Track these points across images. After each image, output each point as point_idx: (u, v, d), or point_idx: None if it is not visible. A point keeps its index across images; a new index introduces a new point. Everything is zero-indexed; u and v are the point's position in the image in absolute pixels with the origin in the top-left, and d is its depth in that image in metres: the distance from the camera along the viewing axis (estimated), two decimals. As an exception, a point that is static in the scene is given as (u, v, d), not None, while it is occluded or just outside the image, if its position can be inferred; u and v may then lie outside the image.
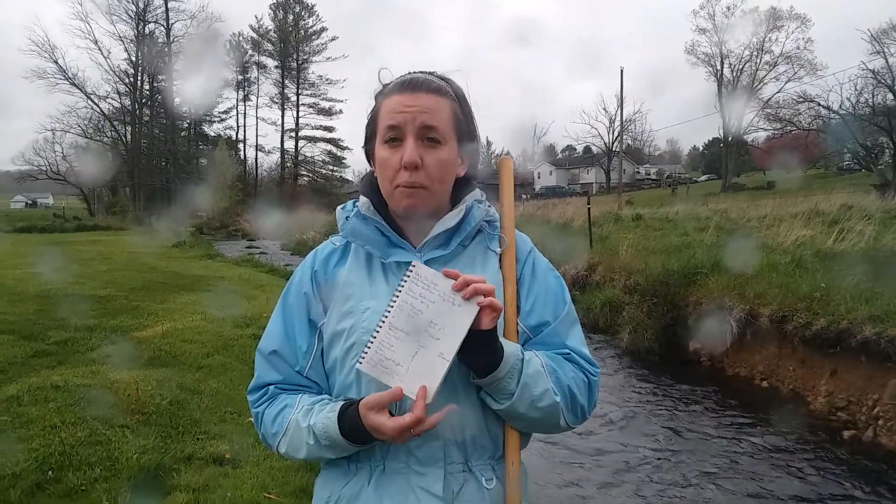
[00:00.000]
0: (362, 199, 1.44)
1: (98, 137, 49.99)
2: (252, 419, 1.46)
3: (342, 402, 1.31)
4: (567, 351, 1.40)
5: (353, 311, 1.36)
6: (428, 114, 1.33)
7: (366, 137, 1.44)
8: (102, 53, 49.43)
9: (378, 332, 1.26)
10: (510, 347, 1.29)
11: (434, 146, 1.34)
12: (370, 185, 1.45)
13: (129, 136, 51.43)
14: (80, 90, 47.23)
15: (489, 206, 1.47)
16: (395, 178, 1.34)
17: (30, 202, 67.92)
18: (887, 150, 31.24)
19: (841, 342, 6.24)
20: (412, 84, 1.35)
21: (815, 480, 5.07)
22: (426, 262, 1.36)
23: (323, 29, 64.37)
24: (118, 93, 50.94)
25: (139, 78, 51.98)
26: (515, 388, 1.28)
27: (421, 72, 1.41)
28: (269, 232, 32.87)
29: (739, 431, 6.11)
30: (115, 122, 50.73)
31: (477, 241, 1.44)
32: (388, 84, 1.39)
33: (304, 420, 1.33)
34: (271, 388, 1.41)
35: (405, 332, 1.25)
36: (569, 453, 5.60)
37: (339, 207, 1.49)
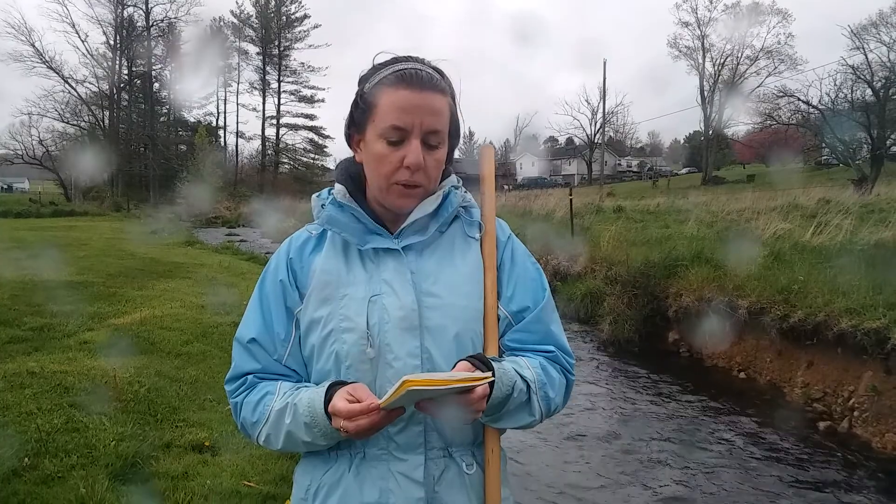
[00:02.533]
0: (338, 186, 1.41)
1: (75, 122, 49.29)
2: (230, 409, 1.43)
3: (332, 381, 1.30)
4: (552, 348, 1.41)
5: (330, 298, 1.34)
6: (434, 117, 1.31)
7: (353, 121, 1.39)
8: (80, 37, 48.90)
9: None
10: (500, 380, 1.26)
11: (434, 148, 1.33)
12: (346, 173, 1.43)
13: (106, 121, 50.75)
14: (58, 74, 46.48)
15: (465, 192, 1.46)
16: (392, 174, 1.32)
17: (5, 187, 66.78)
18: (865, 146, 31.58)
19: (818, 334, 6.33)
20: (418, 81, 1.30)
21: (790, 470, 5.14)
22: (404, 249, 1.36)
23: (305, 16, 63.87)
24: (96, 77, 50.20)
25: (117, 62, 51.28)
26: (500, 413, 1.31)
27: (415, 59, 1.36)
28: (257, 220, 32.72)
29: (717, 422, 6.18)
30: (93, 107, 49.98)
31: (455, 227, 1.43)
32: (384, 70, 1.33)
33: (287, 400, 1.31)
34: (250, 377, 1.38)
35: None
36: (548, 443, 5.64)
37: (314, 195, 1.47)
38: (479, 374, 1.19)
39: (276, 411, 1.32)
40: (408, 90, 1.29)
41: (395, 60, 1.35)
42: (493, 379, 1.22)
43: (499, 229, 1.46)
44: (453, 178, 1.45)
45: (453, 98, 1.38)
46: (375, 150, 1.32)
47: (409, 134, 1.30)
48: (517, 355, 1.39)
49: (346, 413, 1.19)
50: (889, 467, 5.11)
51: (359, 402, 1.20)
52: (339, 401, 1.21)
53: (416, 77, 1.30)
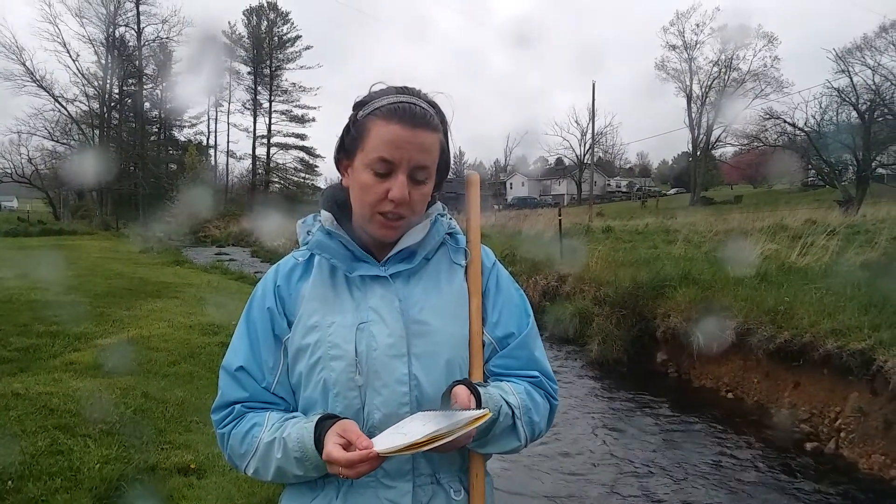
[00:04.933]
0: (325, 213, 1.42)
1: (65, 141, 49.11)
2: (217, 439, 1.41)
3: (320, 414, 1.29)
4: (536, 374, 1.42)
5: (318, 325, 1.35)
6: (423, 154, 1.31)
7: (342, 148, 1.40)
8: (71, 56, 48.59)
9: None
10: (486, 405, 1.27)
11: (421, 183, 1.34)
12: (332, 199, 1.44)
13: (97, 140, 50.60)
14: (48, 93, 46.24)
15: (451, 219, 1.48)
16: (377, 204, 1.32)
17: (-7, 205, 66.52)
18: (851, 168, 31.97)
19: (804, 355, 6.36)
20: (412, 117, 1.30)
21: (777, 492, 5.15)
22: (391, 276, 1.37)
23: (297, 37, 64.10)
24: (86, 96, 50.05)
25: (108, 81, 51.28)
26: (486, 438, 1.33)
27: (411, 90, 1.36)
28: (247, 239, 32.74)
29: (704, 443, 6.18)
30: (83, 126, 49.84)
31: (440, 254, 1.45)
32: (380, 100, 1.33)
33: (275, 434, 1.30)
34: (238, 406, 1.37)
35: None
36: (535, 464, 5.62)
37: (299, 222, 1.47)
38: (476, 412, 1.19)
39: (265, 444, 1.31)
40: (399, 125, 1.29)
41: (392, 91, 1.35)
42: (491, 416, 1.22)
43: (484, 256, 1.48)
44: (439, 206, 1.47)
45: (445, 134, 1.39)
46: (362, 178, 1.33)
47: (397, 168, 1.30)
48: (501, 380, 1.40)
49: (346, 462, 1.17)
50: (875, 488, 5.12)
51: (350, 443, 1.19)
52: (334, 448, 1.19)
53: (410, 113, 1.30)
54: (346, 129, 1.38)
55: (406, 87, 1.37)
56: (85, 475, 3.88)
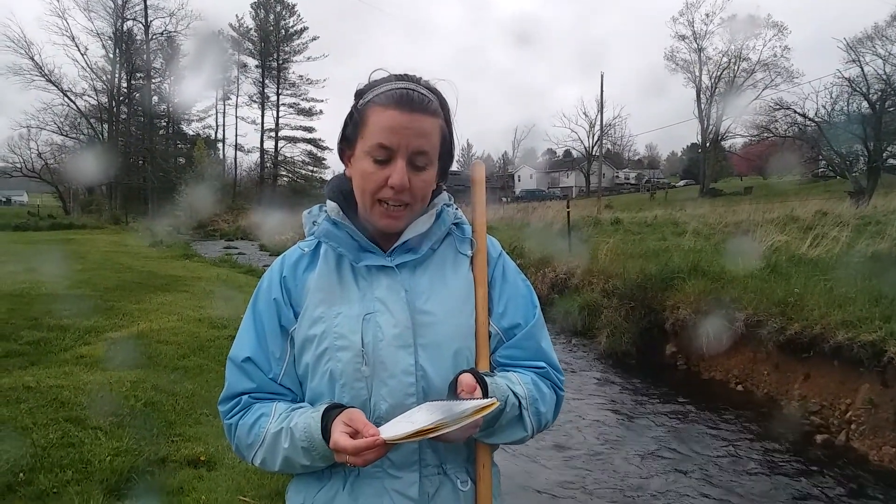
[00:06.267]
0: (330, 204, 1.42)
1: (74, 135, 49.33)
2: (225, 430, 1.42)
3: (327, 404, 1.29)
4: (543, 365, 1.42)
5: (324, 316, 1.35)
6: (422, 139, 1.31)
7: (344, 136, 1.40)
8: (79, 50, 48.77)
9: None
10: (492, 395, 1.26)
11: (421, 169, 1.33)
12: (337, 189, 1.44)
13: (105, 134, 50.80)
14: (57, 87, 46.42)
15: (457, 209, 1.47)
16: (377, 192, 1.32)
17: (4, 199, 66.87)
18: (862, 158, 31.72)
19: (814, 347, 6.33)
20: (409, 102, 1.30)
21: (788, 484, 5.13)
22: (397, 266, 1.36)
23: (304, 29, 64.07)
24: (95, 90, 50.21)
25: (116, 75, 51.42)
26: (492, 428, 1.33)
27: (411, 78, 1.36)
28: (255, 232, 32.83)
29: (714, 435, 6.17)
30: (92, 120, 50.04)
31: (446, 244, 1.44)
32: (379, 87, 1.33)
33: (282, 424, 1.31)
34: (245, 397, 1.37)
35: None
36: (543, 456, 5.62)
37: (305, 212, 1.48)
38: (483, 401, 1.18)
39: (272, 434, 1.31)
40: (397, 111, 1.29)
41: (392, 79, 1.35)
42: (498, 405, 1.21)
43: (490, 246, 1.47)
44: (445, 196, 1.46)
45: (447, 120, 1.38)
46: (362, 166, 1.33)
47: (396, 154, 1.30)
48: (508, 371, 1.39)
49: (353, 450, 1.17)
50: (886, 480, 5.10)
51: (357, 431, 1.19)
52: (341, 437, 1.19)
53: (408, 98, 1.30)
54: (348, 118, 1.39)
55: (406, 75, 1.37)
56: (96, 467, 3.90)
